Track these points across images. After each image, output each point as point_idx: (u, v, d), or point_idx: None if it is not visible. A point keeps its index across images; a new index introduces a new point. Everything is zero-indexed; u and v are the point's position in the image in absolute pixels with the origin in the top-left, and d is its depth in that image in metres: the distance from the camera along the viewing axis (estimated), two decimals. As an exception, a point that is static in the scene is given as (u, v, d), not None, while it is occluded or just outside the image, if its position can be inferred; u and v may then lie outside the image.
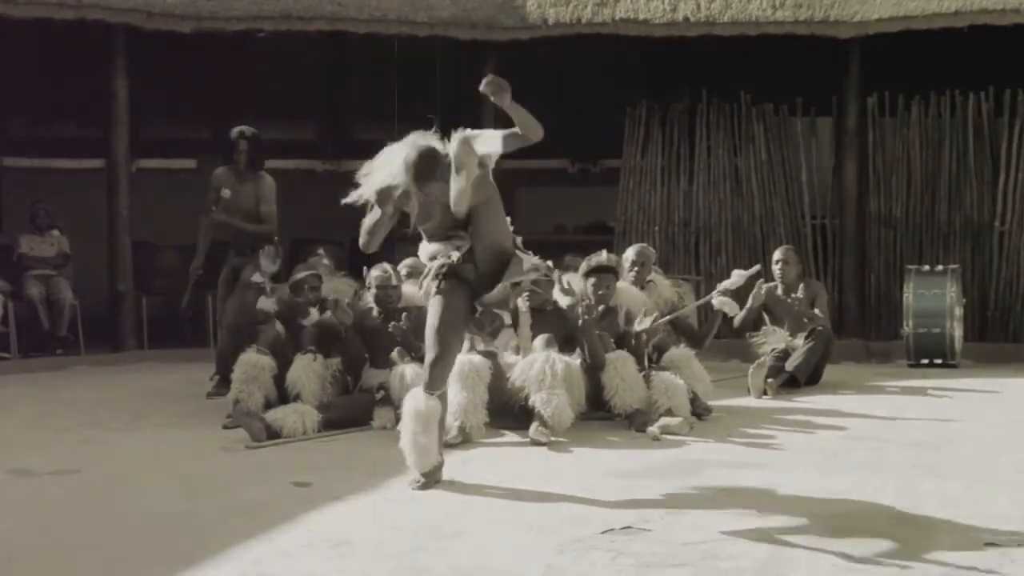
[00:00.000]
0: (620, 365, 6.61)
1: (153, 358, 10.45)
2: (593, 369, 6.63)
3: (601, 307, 6.83)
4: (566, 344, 6.69)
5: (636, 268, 7.64)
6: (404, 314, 6.84)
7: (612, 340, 6.84)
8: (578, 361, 6.58)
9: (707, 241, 11.49)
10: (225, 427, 6.62)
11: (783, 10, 10.62)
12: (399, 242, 10.22)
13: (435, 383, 4.92)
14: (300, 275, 7.23)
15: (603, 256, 7.06)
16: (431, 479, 4.97)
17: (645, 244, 8.32)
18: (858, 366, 9.89)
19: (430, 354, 4.95)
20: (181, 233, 11.88)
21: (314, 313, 7.04)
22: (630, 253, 7.79)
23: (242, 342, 7.12)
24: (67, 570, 3.84)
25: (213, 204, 8.15)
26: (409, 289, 7.11)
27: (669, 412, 6.46)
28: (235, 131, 8.31)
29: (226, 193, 8.12)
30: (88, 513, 4.64)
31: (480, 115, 9.08)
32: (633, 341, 6.95)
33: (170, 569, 3.79)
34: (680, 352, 7.13)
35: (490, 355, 6.46)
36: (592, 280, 6.97)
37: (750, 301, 8.42)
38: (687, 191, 11.58)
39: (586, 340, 6.65)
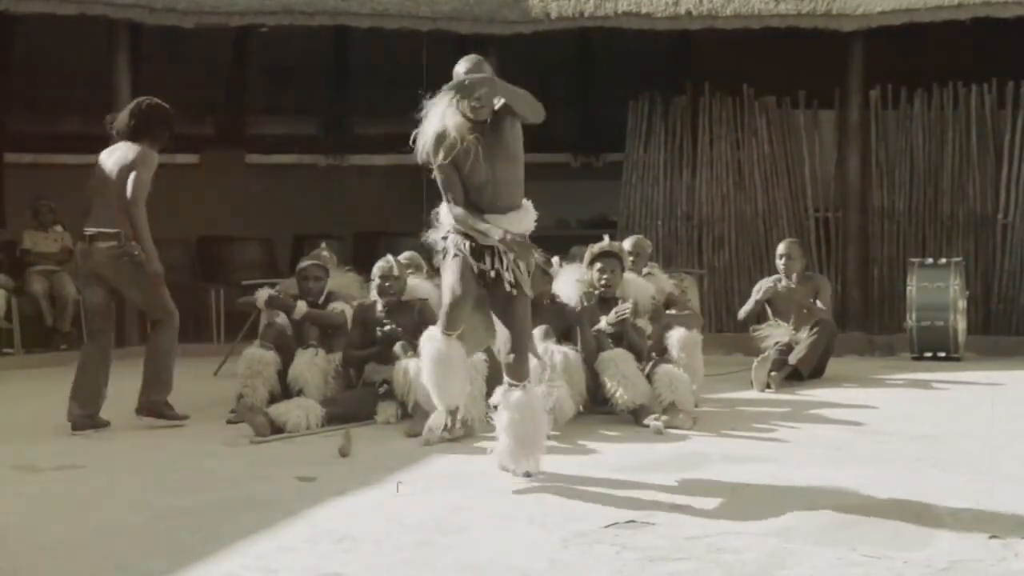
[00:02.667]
0: (619, 363, 6.56)
1: (156, 353, 10.41)
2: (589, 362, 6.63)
3: (591, 302, 6.78)
4: (564, 337, 6.68)
5: (632, 259, 7.64)
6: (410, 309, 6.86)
7: (610, 339, 6.81)
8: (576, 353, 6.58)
9: (710, 235, 11.47)
10: (229, 422, 6.62)
11: (785, 3, 10.60)
12: (401, 236, 10.19)
13: (452, 324, 4.99)
14: (304, 263, 7.24)
15: (606, 242, 7.04)
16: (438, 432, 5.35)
17: (641, 235, 8.32)
18: (862, 359, 9.88)
19: (447, 298, 5.03)
20: (184, 229, 11.90)
21: (301, 305, 7.04)
22: (626, 244, 7.78)
23: None
24: (71, 565, 3.84)
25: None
26: (413, 282, 7.11)
27: (672, 406, 6.45)
28: None
29: None
30: (92, 508, 4.65)
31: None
32: (634, 334, 6.91)
33: (174, 564, 3.80)
34: (688, 336, 7.08)
35: (485, 350, 6.43)
36: (598, 266, 6.95)
37: (755, 295, 8.42)
38: (690, 185, 11.56)
39: (581, 332, 6.65)
